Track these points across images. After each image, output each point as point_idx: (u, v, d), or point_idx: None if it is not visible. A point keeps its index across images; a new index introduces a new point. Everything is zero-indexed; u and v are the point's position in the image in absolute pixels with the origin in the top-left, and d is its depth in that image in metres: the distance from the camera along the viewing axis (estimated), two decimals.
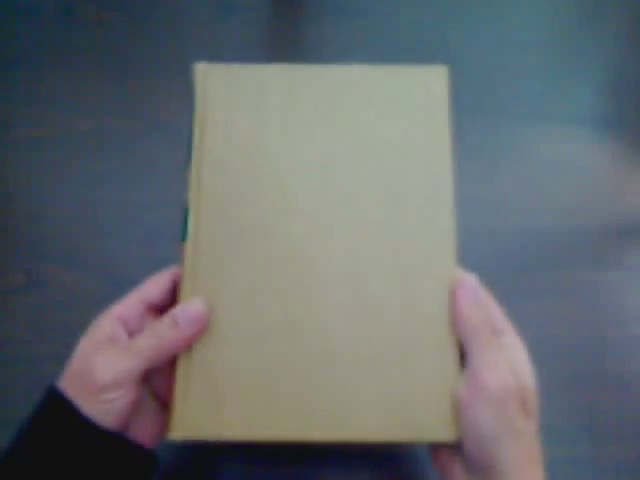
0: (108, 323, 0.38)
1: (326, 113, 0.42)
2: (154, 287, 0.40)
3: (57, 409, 0.34)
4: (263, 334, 0.38)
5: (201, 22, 0.67)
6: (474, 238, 0.59)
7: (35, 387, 0.53)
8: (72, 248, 0.57)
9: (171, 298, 0.40)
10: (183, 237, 0.40)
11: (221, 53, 0.65)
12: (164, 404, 0.39)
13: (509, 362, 0.36)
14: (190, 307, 0.37)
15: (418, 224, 0.41)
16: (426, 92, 0.43)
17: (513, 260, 0.58)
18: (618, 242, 0.59)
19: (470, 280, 0.38)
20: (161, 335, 0.36)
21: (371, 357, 0.37)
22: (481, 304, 0.37)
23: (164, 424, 0.38)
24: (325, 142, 0.42)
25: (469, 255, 0.58)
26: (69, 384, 0.35)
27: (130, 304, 0.39)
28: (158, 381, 0.39)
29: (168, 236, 0.57)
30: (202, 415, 0.37)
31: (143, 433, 0.37)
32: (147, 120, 0.62)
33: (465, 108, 0.64)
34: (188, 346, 0.37)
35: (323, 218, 0.40)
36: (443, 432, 0.36)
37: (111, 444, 0.34)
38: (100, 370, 0.34)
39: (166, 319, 0.36)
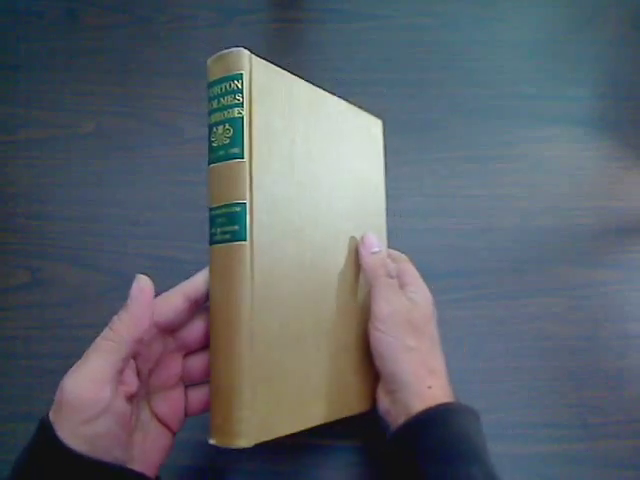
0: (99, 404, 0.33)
1: (320, 136, 0.44)
2: (165, 307, 0.37)
3: (45, 445, 0.32)
4: (301, 336, 0.40)
5: (202, 25, 0.67)
6: (473, 237, 0.59)
7: (38, 383, 0.54)
8: (74, 247, 0.57)
9: (186, 318, 0.38)
10: (231, 238, 0.37)
11: None
12: (166, 425, 0.38)
13: (402, 297, 0.43)
14: (134, 286, 0.36)
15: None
16: (376, 134, 0.52)
17: (511, 259, 0.58)
18: (615, 241, 0.59)
19: (369, 236, 0.46)
20: (113, 323, 0.34)
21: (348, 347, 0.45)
22: (377, 254, 0.45)
23: (168, 447, 0.38)
24: (321, 162, 0.44)
25: (468, 254, 0.59)
26: (55, 415, 0.32)
27: (143, 325, 0.35)
28: (159, 400, 0.38)
29: (168, 236, 0.58)
30: (266, 418, 0.36)
31: (147, 458, 0.36)
32: (148, 121, 0.63)
33: (463, 109, 0.64)
34: (145, 326, 0.35)
35: (330, 226, 0.44)
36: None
37: (108, 477, 0.32)
38: (68, 385, 0.32)
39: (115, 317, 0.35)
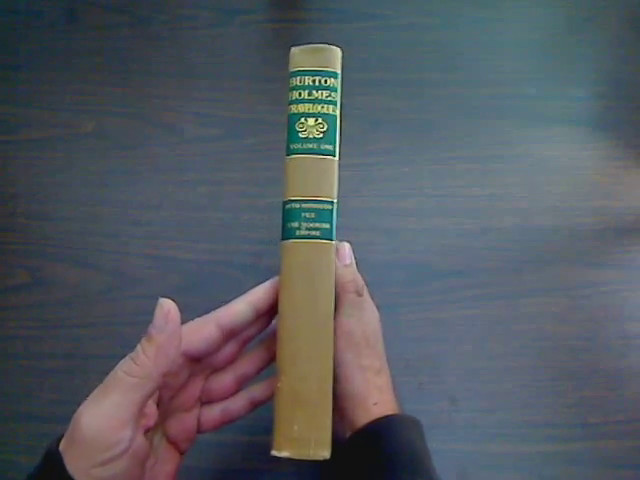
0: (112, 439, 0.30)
1: None
2: (196, 337, 0.35)
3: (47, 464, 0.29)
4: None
5: (201, 25, 0.67)
6: (473, 237, 0.59)
7: (38, 383, 0.54)
8: (75, 247, 0.57)
9: (218, 346, 0.36)
10: (293, 235, 0.36)
11: (221, 56, 0.66)
12: (176, 446, 0.37)
13: (362, 314, 0.41)
14: (158, 312, 0.32)
15: None
16: None
17: (511, 259, 0.58)
18: (616, 241, 0.59)
19: (343, 247, 0.41)
20: (138, 357, 0.31)
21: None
22: (349, 267, 0.41)
23: (177, 468, 0.36)
24: None
25: (468, 254, 0.59)
26: (66, 448, 0.29)
27: (170, 358, 0.32)
28: (173, 422, 0.37)
29: (168, 236, 0.58)
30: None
31: None
32: (148, 121, 0.63)
33: (464, 109, 0.64)
34: (172, 359, 0.32)
35: None
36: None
37: None
38: (85, 421, 0.29)
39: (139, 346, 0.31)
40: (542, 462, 0.50)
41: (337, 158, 0.37)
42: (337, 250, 0.40)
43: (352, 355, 0.39)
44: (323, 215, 0.36)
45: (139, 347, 0.31)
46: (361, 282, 0.42)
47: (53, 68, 0.64)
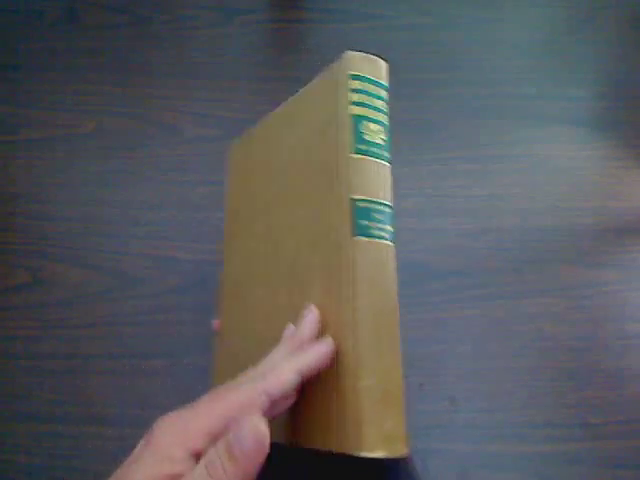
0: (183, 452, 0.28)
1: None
2: (279, 385, 0.31)
3: None
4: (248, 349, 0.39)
5: (202, 25, 0.67)
6: (473, 237, 0.59)
7: (38, 383, 0.54)
8: (75, 247, 0.57)
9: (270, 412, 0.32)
10: (366, 233, 0.35)
11: (221, 56, 0.66)
12: None
13: None
14: (244, 434, 0.27)
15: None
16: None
17: (511, 259, 0.58)
18: (615, 241, 0.59)
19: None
20: (216, 472, 0.27)
21: None
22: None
23: None
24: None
25: (468, 254, 0.59)
26: None
27: (218, 419, 0.28)
28: None
29: (168, 236, 0.58)
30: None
31: None
32: (148, 121, 0.62)
33: (463, 109, 0.64)
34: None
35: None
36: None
37: None
38: None
39: (221, 448, 0.27)
40: (542, 462, 0.50)
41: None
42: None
43: None
44: (389, 218, 0.36)
45: (216, 458, 0.27)
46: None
47: (53, 68, 0.64)
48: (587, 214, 0.60)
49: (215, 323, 0.43)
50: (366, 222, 0.35)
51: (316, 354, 0.33)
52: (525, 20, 0.69)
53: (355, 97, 0.38)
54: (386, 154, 0.37)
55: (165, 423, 0.28)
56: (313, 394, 0.35)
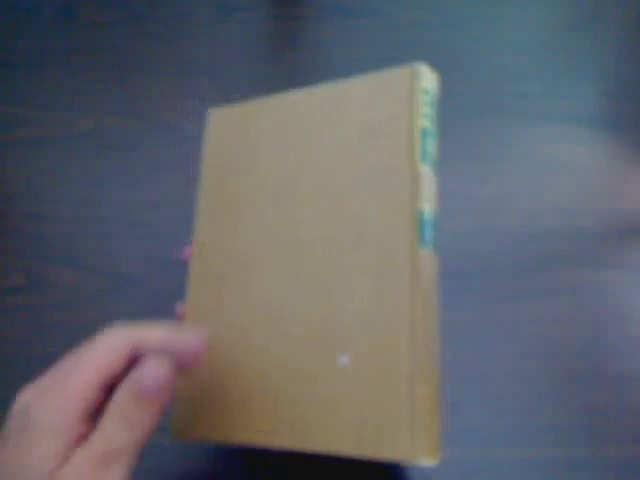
0: (71, 427, 0.26)
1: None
2: (115, 364, 0.29)
3: None
4: (248, 357, 0.39)
5: (201, 22, 0.67)
6: (473, 238, 0.59)
7: None
8: (72, 248, 0.57)
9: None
10: (421, 244, 0.36)
11: (220, 54, 0.65)
12: None
13: None
14: (146, 372, 0.27)
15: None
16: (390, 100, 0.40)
17: (512, 260, 0.58)
18: (618, 242, 0.59)
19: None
20: (134, 422, 0.27)
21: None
22: None
23: None
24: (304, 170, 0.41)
25: (469, 255, 0.58)
26: None
27: (92, 390, 0.27)
28: None
29: (168, 236, 0.58)
30: (200, 417, 0.39)
31: None
32: (147, 120, 0.62)
33: (465, 108, 0.64)
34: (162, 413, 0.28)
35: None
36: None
37: None
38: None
39: (126, 396, 0.27)
40: (545, 466, 0.50)
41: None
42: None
43: None
44: (438, 230, 0.39)
45: (129, 412, 0.27)
46: None
47: (50, 66, 0.64)
48: (591, 215, 0.60)
49: (179, 309, 0.41)
50: (432, 234, 0.37)
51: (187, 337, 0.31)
52: (528, 18, 0.68)
53: (425, 110, 0.39)
54: (437, 169, 0.39)
55: (35, 398, 0.27)
56: (343, 401, 0.35)
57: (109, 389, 0.29)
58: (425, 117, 0.38)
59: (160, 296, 0.55)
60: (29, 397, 0.28)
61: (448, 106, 0.64)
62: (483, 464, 0.50)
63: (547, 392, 0.53)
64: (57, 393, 0.27)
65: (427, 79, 0.39)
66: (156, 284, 0.56)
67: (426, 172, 0.37)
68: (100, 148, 0.61)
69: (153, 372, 0.27)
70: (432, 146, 0.39)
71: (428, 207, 0.37)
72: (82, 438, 0.26)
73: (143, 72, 0.64)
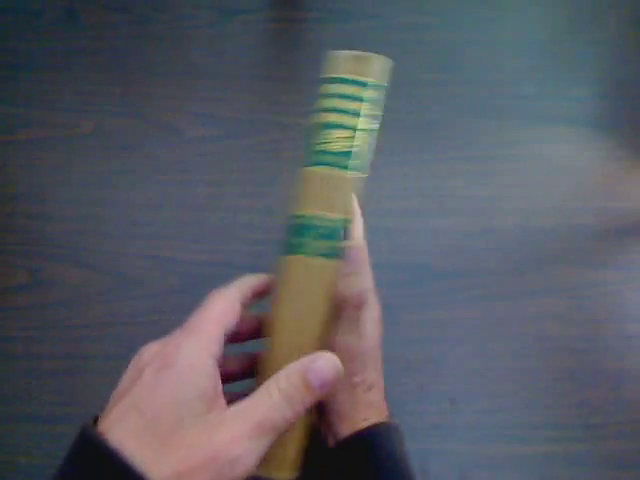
0: (212, 370, 0.28)
1: None
2: (231, 316, 0.31)
3: None
4: None
5: (202, 24, 0.67)
6: (473, 238, 0.59)
7: (37, 384, 0.54)
8: (75, 247, 0.57)
9: (246, 326, 0.34)
10: (298, 251, 0.33)
11: (222, 56, 0.65)
12: None
13: (360, 332, 0.36)
14: (323, 363, 0.29)
15: None
16: None
17: (512, 259, 0.58)
18: (616, 241, 0.59)
19: (352, 251, 0.36)
20: (297, 402, 0.28)
21: None
22: (352, 278, 0.36)
23: None
24: None
25: (468, 254, 0.59)
26: (177, 473, 0.24)
27: (218, 339, 0.29)
28: None
29: (168, 236, 0.58)
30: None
31: None
32: (148, 121, 0.62)
33: (464, 109, 0.64)
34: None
35: None
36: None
37: None
38: (241, 456, 0.25)
39: (295, 380, 0.28)
40: (543, 463, 0.50)
41: (361, 174, 0.34)
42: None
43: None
44: (337, 233, 0.34)
45: (294, 392, 0.28)
46: (362, 294, 0.37)
47: (53, 68, 0.64)
48: (588, 214, 0.60)
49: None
50: (303, 239, 0.33)
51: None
52: (526, 19, 0.68)
53: (325, 103, 0.35)
54: (353, 162, 0.34)
55: (168, 347, 0.28)
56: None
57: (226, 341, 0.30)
58: (324, 110, 0.35)
59: (160, 294, 0.55)
60: (159, 347, 0.29)
61: (447, 107, 0.64)
62: (481, 460, 0.50)
63: (545, 389, 0.53)
64: (192, 341, 0.28)
65: (335, 67, 0.37)
66: (156, 284, 0.56)
67: (310, 173, 0.34)
68: (102, 149, 0.61)
69: (329, 367, 0.29)
70: (336, 141, 0.34)
71: (312, 211, 0.34)
72: (220, 387, 0.28)
73: (145, 74, 0.65)
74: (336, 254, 0.34)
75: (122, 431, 0.25)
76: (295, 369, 0.28)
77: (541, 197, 0.60)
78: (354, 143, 0.34)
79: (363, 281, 0.37)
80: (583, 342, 0.55)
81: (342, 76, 0.36)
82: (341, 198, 0.34)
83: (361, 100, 0.35)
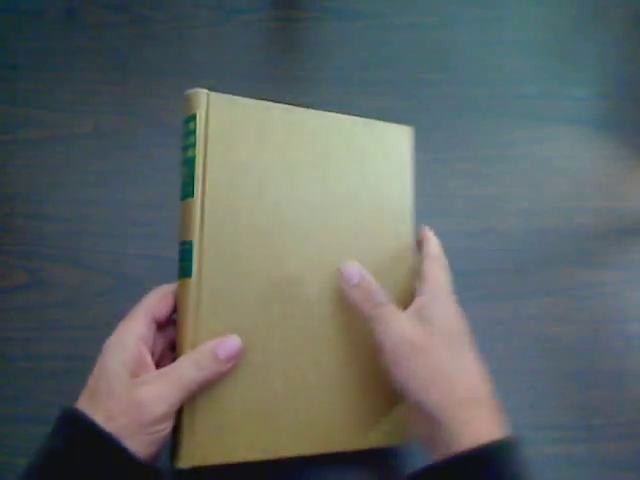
0: (134, 344, 0.37)
1: (313, 160, 0.43)
2: (163, 306, 0.40)
3: (97, 444, 0.34)
4: (262, 369, 0.40)
5: (201, 24, 0.67)
6: (474, 238, 0.59)
7: (37, 385, 0.53)
8: (73, 248, 0.57)
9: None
10: (183, 273, 0.40)
11: (220, 55, 0.65)
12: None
13: (405, 323, 0.39)
14: (230, 343, 0.38)
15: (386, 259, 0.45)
16: (394, 149, 0.48)
17: (513, 260, 0.58)
18: (617, 242, 0.59)
19: (346, 268, 0.42)
20: (205, 368, 0.36)
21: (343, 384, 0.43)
22: (358, 286, 0.41)
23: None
24: (312, 188, 0.43)
25: (469, 255, 0.59)
26: (107, 417, 0.34)
27: (146, 322, 0.38)
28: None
29: (168, 236, 0.58)
30: (207, 443, 0.38)
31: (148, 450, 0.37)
32: (147, 121, 0.62)
33: (465, 109, 0.64)
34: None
35: (313, 259, 0.42)
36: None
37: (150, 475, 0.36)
38: (151, 404, 0.34)
39: (206, 352, 0.37)
40: (544, 464, 0.50)
41: (197, 197, 0.39)
42: (341, 273, 0.41)
43: (403, 369, 0.38)
44: (184, 255, 0.40)
45: (205, 362, 0.37)
46: (381, 293, 0.41)
47: (52, 68, 0.64)
48: (589, 215, 0.60)
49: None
50: (179, 264, 0.40)
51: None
52: (527, 19, 0.68)
53: (182, 144, 0.41)
54: (188, 189, 0.40)
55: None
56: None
57: (157, 326, 0.39)
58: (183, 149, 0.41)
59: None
60: (109, 339, 0.38)
61: (447, 107, 0.64)
62: None
63: (546, 390, 0.53)
64: (122, 325, 0.38)
65: (185, 108, 0.43)
66: (156, 284, 0.56)
67: (182, 205, 0.41)
68: (101, 148, 0.61)
69: (235, 345, 0.38)
70: (184, 174, 0.41)
71: (178, 239, 0.41)
72: (145, 356, 0.37)
73: (144, 73, 0.64)
74: (186, 274, 0.39)
75: (82, 401, 0.36)
76: (207, 345, 0.37)
77: (542, 197, 0.60)
78: (187, 174, 0.40)
79: (368, 285, 0.41)
80: (584, 342, 0.55)
81: (184, 115, 0.42)
82: (186, 223, 0.40)
83: (188, 134, 0.41)
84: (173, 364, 0.37)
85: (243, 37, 0.67)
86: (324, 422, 0.42)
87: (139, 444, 0.34)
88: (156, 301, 0.40)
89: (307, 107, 0.44)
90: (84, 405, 0.35)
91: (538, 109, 0.64)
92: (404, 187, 0.47)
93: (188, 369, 0.36)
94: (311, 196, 0.42)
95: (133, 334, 0.37)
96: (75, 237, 0.57)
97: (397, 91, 0.64)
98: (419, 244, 0.45)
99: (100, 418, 0.34)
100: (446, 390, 0.36)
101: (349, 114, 0.46)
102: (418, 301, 0.40)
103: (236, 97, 0.43)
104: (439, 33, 0.67)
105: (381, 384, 0.43)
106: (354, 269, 0.41)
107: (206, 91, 0.42)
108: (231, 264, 0.39)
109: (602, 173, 0.62)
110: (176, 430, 0.37)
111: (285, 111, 0.43)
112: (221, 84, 0.65)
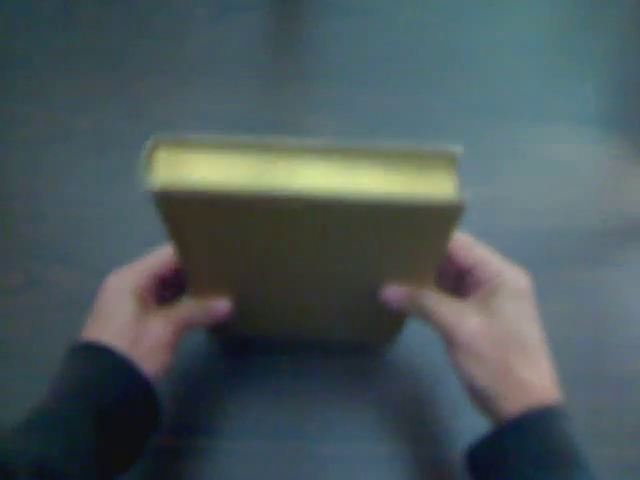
0: (144, 284, 0.42)
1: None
2: (164, 262, 0.44)
3: (125, 372, 0.38)
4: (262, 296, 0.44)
5: (200, 22, 0.67)
6: (474, 238, 0.59)
7: (34, 386, 0.53)
8: (72, 248, 0.57)
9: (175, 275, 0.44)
10: None
11: (219, 53, 0.65)
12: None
13: (473, 317, 0.41)
14: (219, 305, 0.43)
15: None
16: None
17: (513, 260, 0.58)
18: (618, 242, 0.59)
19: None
20: (196, 317, 0.43)
21: None
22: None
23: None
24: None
25: None
26: (115, 339, 0.39)
27: (143, 274, 0.43)
28: None
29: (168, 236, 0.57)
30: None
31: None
32: (147, 119, 0.62)
33: (465, 107, 0.64)
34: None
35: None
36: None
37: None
38: (156, 334, 0.40)
39: (200, 306, 0.43)
40: None
41: None
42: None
43: (474, 361, 0.41)
44: None
45: (197, 314, 0.43)
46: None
47: (50, 66, 0.64)
48: (593, 214, 0.59)
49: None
50: None
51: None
52: (529, 18, 0.68)
53: None
54: None
55: (113, 275, 0.44)
56: None
57: (160, 282, 0.43)
58: None
59: None
60: (111, 276, 0.43)
61: (447, 106, 0.64)
62: None
63: None
64: (126, 272, 0.43)
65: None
66: None
67: None
68: (99, 148, 0.61)
69: (225, 307, 0.43)
70: None
71: None
72: (145, 304, 0.41)
73: (142, 71, 0.64)
74: None
75: (94, 331, 0.41)
76: (200, 304, 0.43)
77: (544, 197, 0.60)
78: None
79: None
80: (587, 344, 0.55)
81: None
82: None
83: None
84: (178, 303, 0.43)
85: (242, 35, 0.67)
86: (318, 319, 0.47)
87: (149, 367, 0.39)
88: (161, 257, 0.44)
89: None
90: (99, 336, 0.39)
91: (541, 107, 0.64)
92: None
93: (184, 311, 0.42)
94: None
95: (130, 282, 0.42)
96: (74, 237, 0.57)
97: (397, 90, 0.64)
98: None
99: (124, 345, 0.38)
100: (505, 376, 0.39)
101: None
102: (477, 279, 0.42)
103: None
104: (441, 31, 0.67)
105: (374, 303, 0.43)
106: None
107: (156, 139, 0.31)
108: None
109: (604, 173, 0.61)
110: None
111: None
112: (219, 81, 0.65)
